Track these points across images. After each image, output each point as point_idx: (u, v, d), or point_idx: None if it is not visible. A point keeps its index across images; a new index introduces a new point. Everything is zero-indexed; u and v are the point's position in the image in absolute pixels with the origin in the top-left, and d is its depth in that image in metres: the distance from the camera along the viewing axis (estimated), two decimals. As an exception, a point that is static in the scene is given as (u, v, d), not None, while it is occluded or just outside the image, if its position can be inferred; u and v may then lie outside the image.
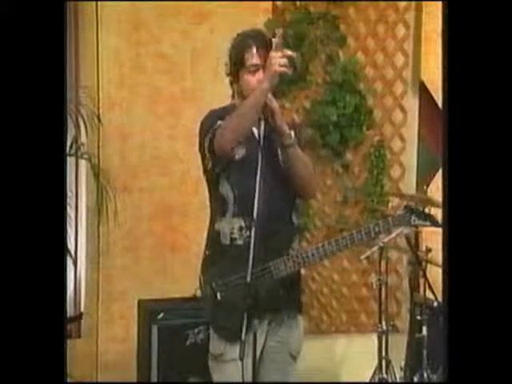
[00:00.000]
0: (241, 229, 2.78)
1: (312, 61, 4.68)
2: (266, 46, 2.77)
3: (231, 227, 2.80)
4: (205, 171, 2.88)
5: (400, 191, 4.80)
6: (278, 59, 2.66)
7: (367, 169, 4.77)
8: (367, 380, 4.20)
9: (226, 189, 2.83)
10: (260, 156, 2.60)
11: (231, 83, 2.86)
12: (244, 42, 2.81)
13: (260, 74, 2.76)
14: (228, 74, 2.86)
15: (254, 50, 2.78)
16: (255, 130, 2.79)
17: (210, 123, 2.81)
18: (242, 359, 2.48)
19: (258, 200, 2.55)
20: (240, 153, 2.78)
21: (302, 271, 2.98)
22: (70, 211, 4.13)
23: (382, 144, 4.79)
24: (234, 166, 2.80)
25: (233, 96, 2.89)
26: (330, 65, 4.70)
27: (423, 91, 4.76)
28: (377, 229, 2.82)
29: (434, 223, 2.86)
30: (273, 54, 2.66)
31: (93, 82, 4.38)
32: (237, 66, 2.81)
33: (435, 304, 3.92)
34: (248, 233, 2.72)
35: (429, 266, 4.00)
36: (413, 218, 2.83)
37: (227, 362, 2.74)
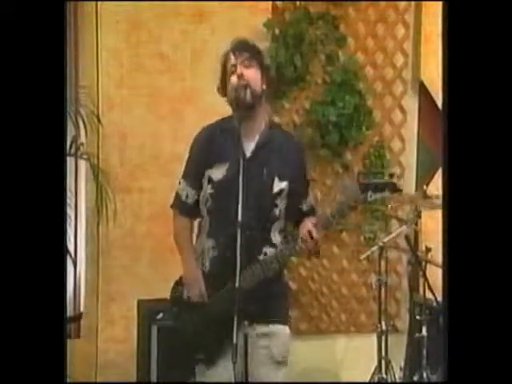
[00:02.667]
0: (211, 249, 2.90)
1: (312, 61, 4.68)
2: (245, 47, 2.88)
3: (204, 247, 2.93)
4: None
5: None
6: (308, 240, 2.76)
7: (367, 169, 4.77)
8: (367, 380, 4.20)
9: (204, 213, 2.96)
10: (242, 177, 2.66)
11: (224, 95, 2.93)
12: (224, 54, 2.91)
13: (237, 70, 2.83)
14: (221, 94, 2.94)
15: (231, 54, 2.87)
16: (241, 148, 2.82)
17: (202, 143, 2.96)
18: (234, 362, 2.52)
19: (233, 224, 2.63)
20: (220, 174, 2.87)
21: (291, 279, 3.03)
22: (70, 211, 4.13)
23: (381, 144, 4.79)
24: (212, 191, 2.90)
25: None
26: (329, 65, 4.70)
27: (423, 91, 4.76)
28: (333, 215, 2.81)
29: (392, 189, 2.75)
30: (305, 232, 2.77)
31: (92, 81, 4.38)
32: (223, 79, 2.90)
33: (435, 304, 3.92)
34: (216, 253, 2.88)
35: (429, 265, 4.01)
36: (369, 194, 2.74)
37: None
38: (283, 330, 2.93)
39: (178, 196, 3.03)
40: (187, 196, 2.99)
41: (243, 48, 2.87)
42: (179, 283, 3.01)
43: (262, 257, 2.83)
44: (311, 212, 2.97)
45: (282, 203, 2.88)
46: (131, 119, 4.46)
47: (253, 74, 2.84)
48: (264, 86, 2.88)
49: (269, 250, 2.85)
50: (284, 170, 2.87)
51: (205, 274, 2.92)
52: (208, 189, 2.91)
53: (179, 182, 3.03)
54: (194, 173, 2.97)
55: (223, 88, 2.91)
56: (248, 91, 2.80)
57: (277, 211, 2.88)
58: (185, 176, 3.02)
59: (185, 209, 3.01)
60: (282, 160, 2.87)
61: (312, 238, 2.75)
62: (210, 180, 2.90)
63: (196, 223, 3.07)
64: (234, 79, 2.83)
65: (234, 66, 2.84)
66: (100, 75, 4.39)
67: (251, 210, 2.73)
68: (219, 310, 2.77)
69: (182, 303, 2.95)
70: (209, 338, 2.83)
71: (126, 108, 4.45)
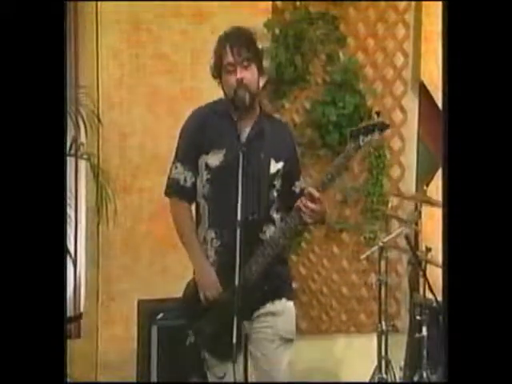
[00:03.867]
0: (214, 239, 2.88)
1: (312, 61, 4.68)
2: (243, 44, 2.82)
3: (206, 237, 2.90)
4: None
5: (400, 191, 4.80)
6: (307, 210, 2.73)
7: (367, 169, 4.77)
8: (367, 380, 4.21)
9: (201, 200, 2.93)
10: (240, 164, 2.67)
11: (218, 83, 2.92)
12: (220, 43, 2.87)
13: (237, 73, 2.80)
14: (214, 76, 2.92)
15: (228, 48, 2.82)
16: (238, 134, 2.81)
17: (197, 127, 2.95)
18: (234, 362, 2.52)
19: (234, 210, 2.64)
20: (217, 160, 2.85)
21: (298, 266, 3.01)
22: (70, 211, 4.13)
23: (382, 144, 4.79)
24: (209, 177, 2.88)
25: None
26: (329, 65, 4.70)
27: (423, 91, 4.76)
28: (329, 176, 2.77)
29: (382, 128, 2.75)
30: (303, 203, 2.74)
31: (92, 81, 4.38)
32: (218, 66, 2.88)
33: (435, 304, 3.92)
34: (219, 242, 2.86)
35: (429, 266, 4.01)
36: (361, 138, 2.73)
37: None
38: (289, 306, 2.93)
39: (174, 181, 2.96)
40: (185, 180, 2.93)
41: (241, 42, 2.82)
42: (192, 283, 2.96)
43: (265, 237, 2.83)
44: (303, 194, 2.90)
45: (278, 184, 2.90)
46: (131, 119, 4.46)
47: (251, 75, 2.83)
48: (261, 83, 2.88)
49: (270, 230, 2.85)
50: (278, 151, 2.89)
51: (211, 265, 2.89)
52: (204, 174, 2.89)
53: (175, 167, 2.96)
54: (190, 156, 2.93)
55: (216, 71, 2.88)
56: (247, 94, 2.80)
57: (274, 192, 2.89)
58: (180, 159, 2.96)
59: (184, 193, 2.94)
60: (275, 142, 2.89)
61: (313, 200, 2.71)
62: (206, 166, 2.88)
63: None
64: (232, 80, 2.81)
65: (233, 65, 2.81)
66: (100, 75, 4.39)
67: (251, 194, 2.75)
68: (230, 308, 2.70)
69: (195, 302, 2.90)
70: (223, 336, 2.76)
71: (125, 108, 4.46)
